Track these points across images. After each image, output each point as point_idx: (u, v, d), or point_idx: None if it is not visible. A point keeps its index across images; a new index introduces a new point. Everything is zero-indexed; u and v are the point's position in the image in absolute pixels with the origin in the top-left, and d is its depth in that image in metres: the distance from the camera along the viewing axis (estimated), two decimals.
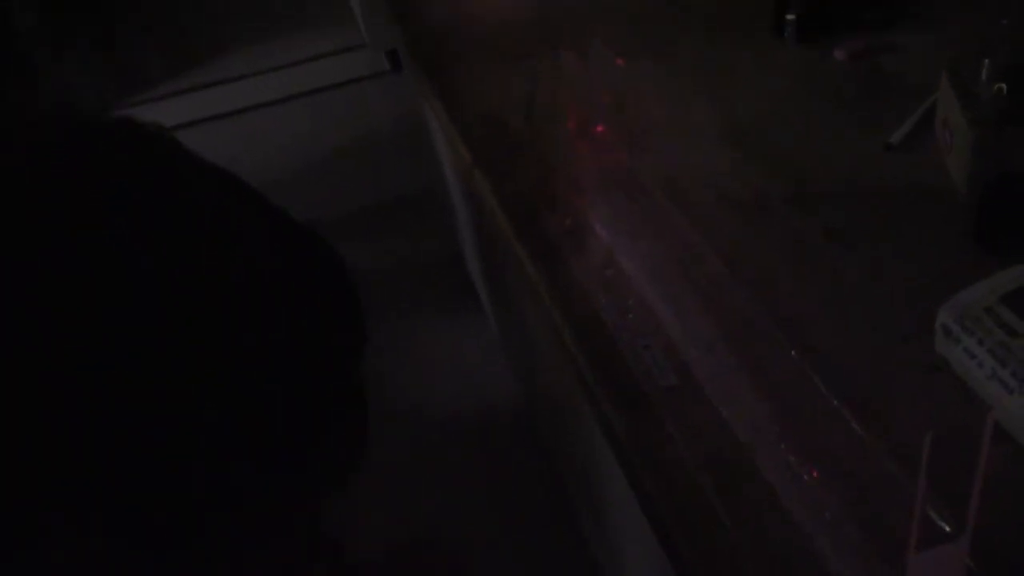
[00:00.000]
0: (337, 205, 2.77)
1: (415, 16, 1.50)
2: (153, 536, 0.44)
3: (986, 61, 0.91)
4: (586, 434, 1.07)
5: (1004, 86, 0.89)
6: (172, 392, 0.43)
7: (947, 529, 0.58)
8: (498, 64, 1.24)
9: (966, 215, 0.85)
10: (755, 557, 0.65)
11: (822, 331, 0.79)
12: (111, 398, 0.41)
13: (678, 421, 0.77)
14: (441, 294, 2.69)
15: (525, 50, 1.24)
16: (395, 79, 3.48)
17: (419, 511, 2.13)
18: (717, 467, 0.73)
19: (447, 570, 1.48)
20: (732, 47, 1.14)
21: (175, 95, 3.68)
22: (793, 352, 0.78)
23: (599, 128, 1.01)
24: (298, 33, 4.15)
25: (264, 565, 0.50)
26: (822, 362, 0.76)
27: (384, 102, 3.38)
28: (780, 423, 0.76)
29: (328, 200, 2.80)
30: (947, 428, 0.45)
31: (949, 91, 0.87)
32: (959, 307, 0.76)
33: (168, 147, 0.61)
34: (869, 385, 0.75)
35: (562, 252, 0.95)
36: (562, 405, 1.53)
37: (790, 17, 1.10)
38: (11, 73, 4.15)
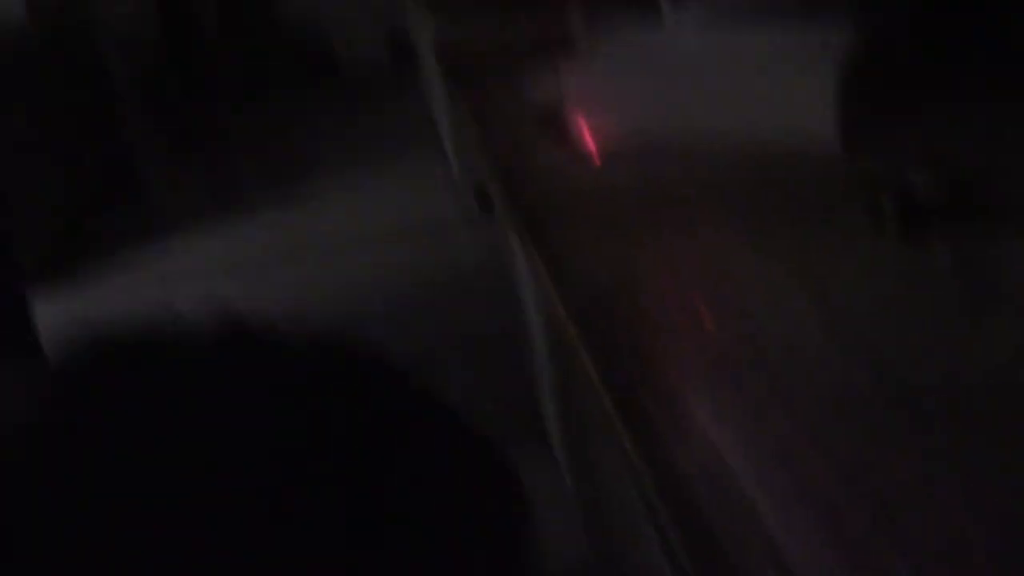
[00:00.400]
0: (414, 340, 2.82)
1: (513, 170, 1.58)
2: None
3: None
4: None
5: None
6: None
7: None
8: (597, 231, 1.28)
9: None
10: None
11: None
12: None
13: None
14: (511, 436, 2.68)
15: (624, 219, 1.29)
16: (482, 217, 3.59)
17: None
18: None
19: None
20: (830, 235, 1.17)
21: (264, 222, 3.86)
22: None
23: (700, 311, 1.04)
24: (387, 168, 4.36)
25: None
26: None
27: (470, 240, 3.48)
28: None
29: (405, 335, 2.86)
30: None
31: None
32: None
33: None
34: None
35: (660, 431, 0.97)
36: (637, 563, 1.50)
37: (887, 208, 1.13)
38: (119, 186, 4.42)
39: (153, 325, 0.53)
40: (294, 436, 0.47)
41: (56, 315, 3.14)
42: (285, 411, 0.48)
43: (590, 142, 1.56)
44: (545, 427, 2.51)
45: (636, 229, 1.30)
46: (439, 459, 0.51)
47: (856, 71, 1.50)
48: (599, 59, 1.68)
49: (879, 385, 0.94)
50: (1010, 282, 1.06)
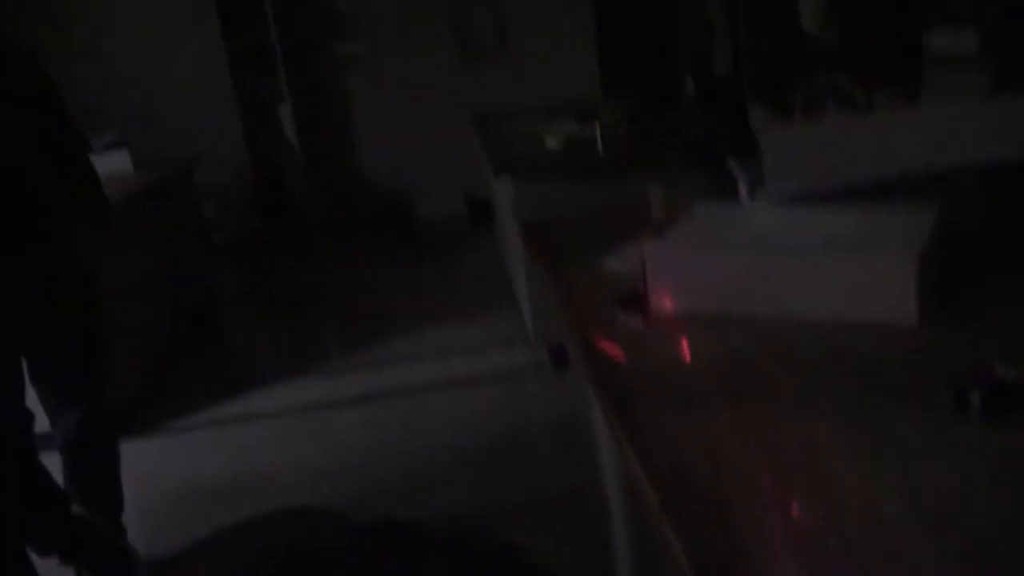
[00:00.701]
0: (487, 498, 2.83)
1: (592, 334, 1.63)
2: None
3: None
4: None
5: None
6: None
7: None
8: (677, 400, 1.31)
9: None
10: None
11: None
12: None
13: None
14: None
15: (706, 398, 1.31)
16: (556, 375, 3.64)
17: None
18: None
19: None
20: (913, 418, 1.17)
21: (347, 370, 3.98)
22: None
23: (782, 484, 1.04)
24: (463, 321, 4.50)
25: None
26: None
27: (543, 396, 3.52)
28: None
29: (478, 492, 2.87)
30: None
31: None
32: None
33: None
34: None
35: None
36: None
37: (973, 396, 1.13)
38: (208, 339, 4.62)
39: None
40: None
41: (140, 460, 3.24)
42: None
43: (668, 312, 1.61)
44: None
45: (716, 400, 1.32)
46: None
47: (938, 253, 1.54)
48: (678, 232, 1.74)
49: (964, 568, 0.93)
50: None
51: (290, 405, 3.67)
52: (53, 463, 2.50)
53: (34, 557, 2.37)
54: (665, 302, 1.61)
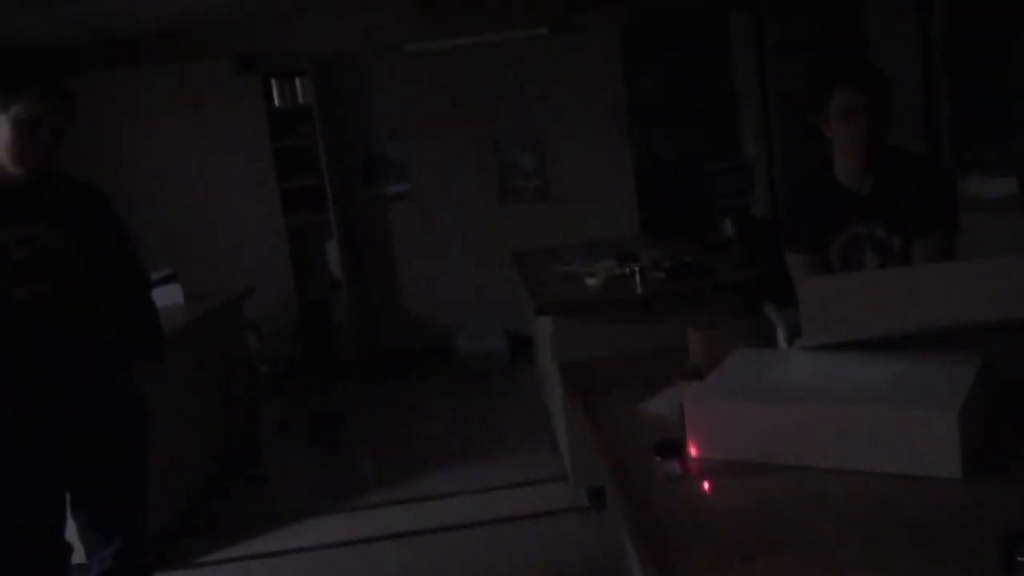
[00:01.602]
0: None
1: (630, 477, 1.62)
2: None
3: None
4: None
5: None
6: None
7: None
8: (719, 559, 1.28)
9: None
10: None
11: None
12: None
13: None
14: None
15: (745, 548, 1.29)
16: (593, 516, 3.58)
17: None
18: None
19: None
20: (953, 570, 1.14)
21: (382, 506, 3.94)
22: None
23: None
24: (501, 458, 4.46)
25: None
26: None
27: (579, 537, 3.45)
28: None
29: None
30: None
31: None
32: None
33: None
34: None
35: None
36: None
37: (1021, 558, 1.11)
38: (245, 470, 4.63)
39: None
40: None
41: None
42: None
43: (706, 459, 1.60)
44: None
45: (753, 551, 1.30)
46: None
47: (982, 405, 1.53)
48: (716, 379, 1.75)
49: None
50: None
51: (322, 541, 3.63)
52: None
53: None
54: (703, 449, 1.61)
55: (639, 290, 3.56)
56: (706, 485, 1.55)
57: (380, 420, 5.40)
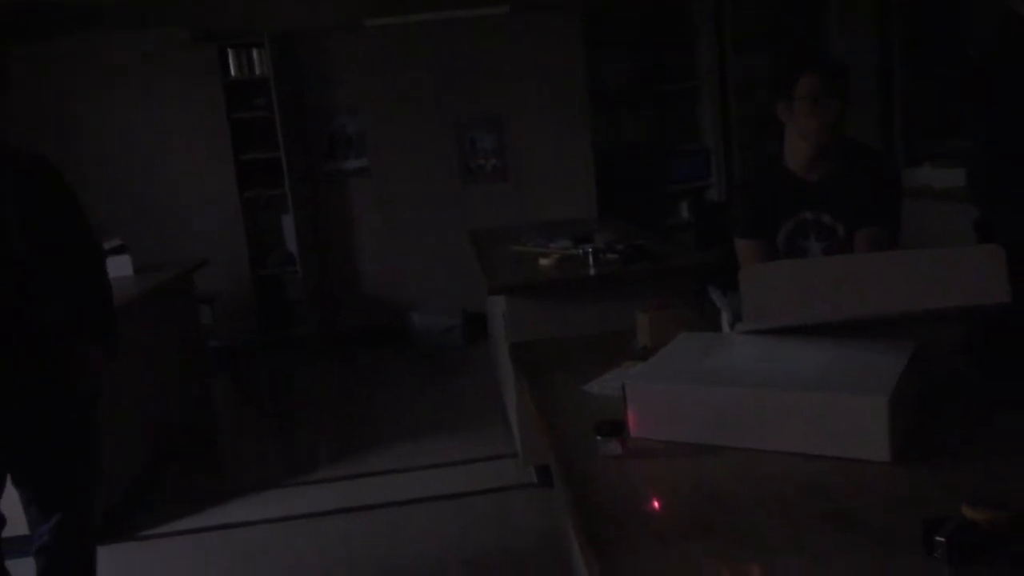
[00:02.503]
0: None
1: (573, 459, 1.64)
2: None
3: None
4: None
5: None
6: None
7: None
8: (656, 540, 1.31)
9: None
10: None
11: None
12: None
13: None
14: None
15: (679, 528, 1.32)
16: (541, 493, 3.62)
17: None
18: None
19: None
20: (881, 557, 1.18)
21: (333, 480, 3.95)
22: None
23: None
24: (453, 435, 4.48)
25: None
26: None
27: (527, 514, 3.49)
28: None
29: None
30: None
31: None
32: None
33: None
34: None
35: None
36: None
37: (939, 539, 1.14)
38: (197, 445, 4.60)
39: None
40: None
41: (112, 569, 3.18)
42: None
43: (646, 440, 1.63)
44: None
45: (689, 531, 1.33)
46: None
47: (912, 391, 1.58)
48: (658, 361, 1.78)
49: None
50: None
51: (272, 514, 3.62)
52: (28, 569, 2.47)
53: None
54: (643, 429, 1.64)
55: (592, 271, 3.59)
56: (645, 466, 1.58)
57: (333, 397, 5.39)
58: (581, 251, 3.78)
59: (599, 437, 1.61)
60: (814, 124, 2.44)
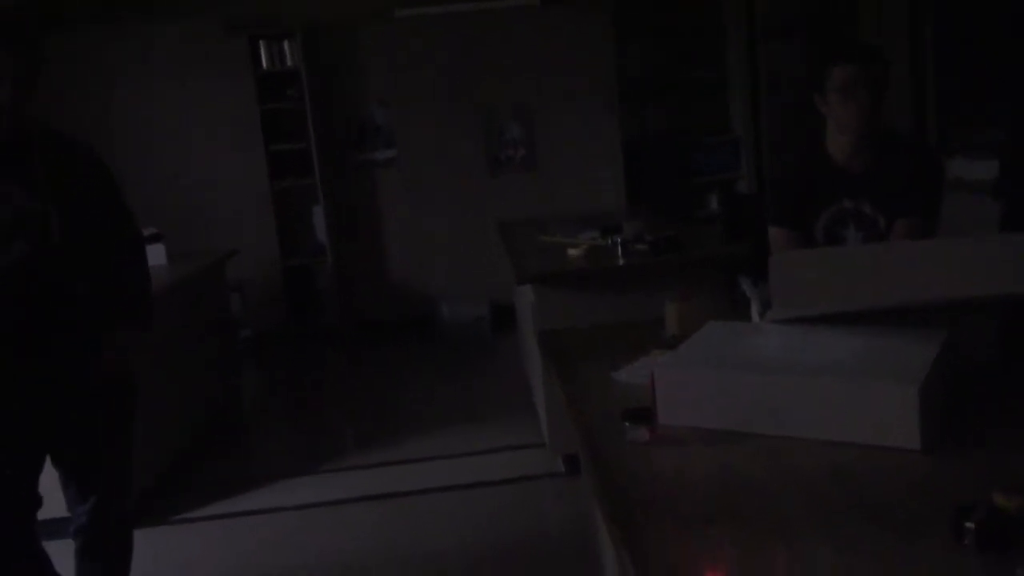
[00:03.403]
0: None
1: (601, 446, 1.65)
2: None
3: None
4: None
5: None
6: None
7: None
8: (682, 524, 1.31)
9: None
10: None
11: None
12: None
13: None
14: None
15: (705, 512, 1.33)
16: (569, 482, 3.63)
17: None
18: None
19: None
20: (909, 544, 1.17)
21: (361, 468, 3.99)
22: None
23: None
24: (481, 424, 4.52)
25: None
26: None
27: (555, 502, 3.50)
28: None
29: None
30: None
31: None
32: None
33: None
34: None
35: None
36: None
37: (969, 525, 1.14)
38: (227, 432, 4.66)
39: None
40: None
41: (145, 551, 3.23)
42: None
43: (674, 427, 1.64)
44: None
45: (716, 516, 1.34)
46: None
47: (944, 380, 1.57)
48: (687, 349, 1.78)
49: None
50: None
51: (299, 501, 3.67)
52: (63, 550, 2.52)
53: None
54: (671, 416, 1.64)
55: (620, 262, 3.59)
56: (673, 452, 1.58)
57: (361, 386, 5.43)
58: (610, 241, 3.78)
59: (627, 424, 1.62)
60: (848, 115, 2.42)
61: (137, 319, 2.50)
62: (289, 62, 6.05)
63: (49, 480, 2.44)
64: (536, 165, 6.43)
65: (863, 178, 2.50)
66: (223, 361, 4.96)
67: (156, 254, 4.38)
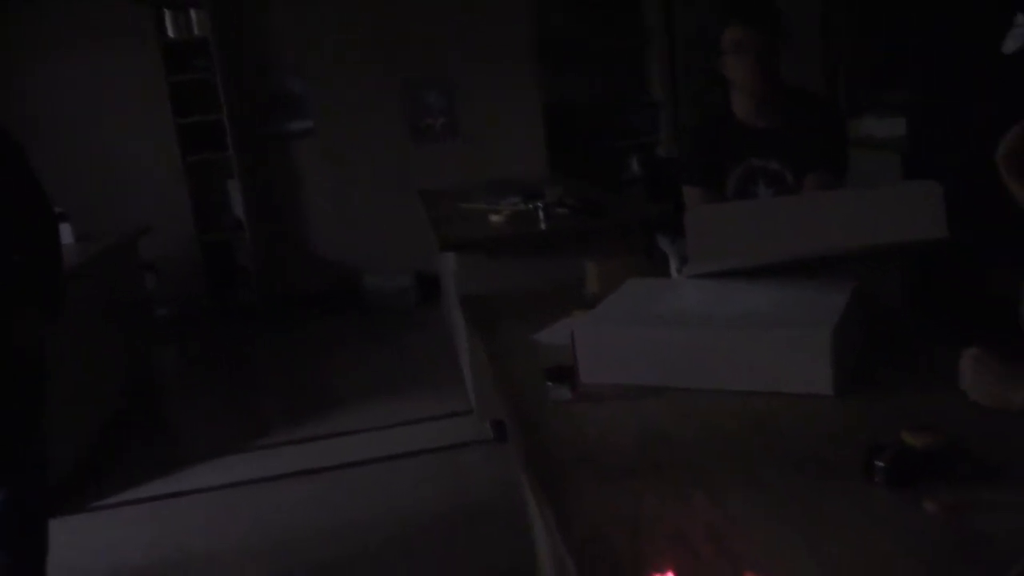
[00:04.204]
0: (430, 573, 2.79)
1: (525, 409, 1.65)
2: None
3: None
4: None
5: None
6: None
7: None
8: (606, 480, 1.32)
9: None
10: None
11: None
12: None
13: None
14: None
15: (629, 467, 1.34)
16: (498, 448, 3.65)
17: None
18: None
19: None
20: (825, 485, 1.20)
21: (289, 444, 3.93)
22: None
23: (707, 568, 1.06)
24: (408, 395, 4.49)
25: None
26: None
27: (484, 469, 3.51)
28: None
29: (420, 567, 2.83)
30: None
31: None
32: None
33: None
34: None
35: None
36: None
37: (880, 463, 1.17)
38: (148, 413, 4.54)
39: None
40: None
41: (66, 540, 3.14)
42: None
43: (595, 384, 1.65)
44: None
45: (639, 470, 1.35)
46: None
47: (853, 327, 1.61)
48: (606, 307, 1.79)
49: None
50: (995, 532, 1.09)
51: (226, 481, 3.60)
52: None
53: None
54: (592, 374, 1.65)
55: (542, 226, 3.59)
56: (595, 409, 1.59)
57: (286, 361, 5.35)
58: (532, 206, 3.77)
59: (549, 383, 1.62)
60: (742, 76, 2.45)
61: (48, 303, 2.41)
62: (197, 31, 5.84)
63: None
64: (457, 133, 6.38)
65: (769, 136, 2.54)
66: (140, 341, 4.82)
67: (62, 234, 4.21)
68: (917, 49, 5.19)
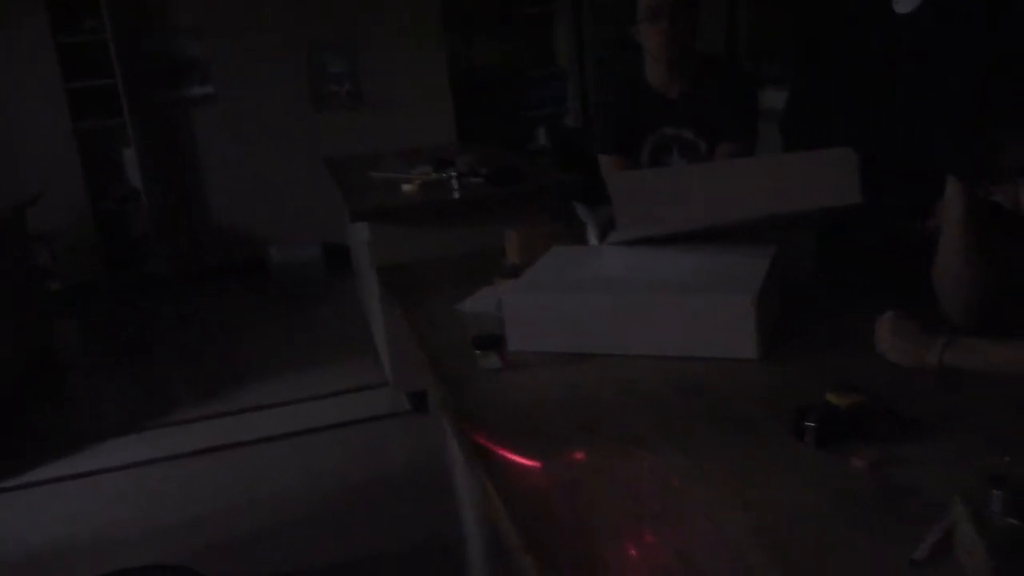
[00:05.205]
0: (344, 548, 2.76)
1: (450, 377, 1.64)
2: None
3: (997, 493, 1.01)
4: None
5: (1016, 520, 0.98)
6: None
7: None
8: (540, 446, 1.33)
9: None
10: None
11: None
12: None
13: None
14: None
15: (562, 433, 1.34)
16: (415, 419, 3.63)
17: None
18: None
19: None
20: (755, 446, 1.24)
21: (198, 420, 3.82)
22: None
23: (643, 528, 1.08)
24: (320, 368, 4.42)
25: None
26: None
27: (402, 442, 3.49)
28: None
29: (335, 542, 2.80)
30: None
31: (963, 518, 0.95)
32: None
33: None
34: None
35: None
36: None
37: (809, 424, 1.21)
38: (48, 392, 4.34)
39: None
40: None
41: None
42: None
43: (525, 351, 1.65)
44: None
45: (572, 436, 1.36)
46: None
47: (774, 292, 1.65)
48: (533, 275, 1.79)
49: None
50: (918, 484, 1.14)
51: (133, 459, 3.48)
52: None
53: None
54: (521, 341, 1.65)
55: (456, 195, 3.56)
56: (525, 377, 1.59)
57: (191, 336, 5.18)
58: (445, 175, 3.73)
59: (478, 352, 1.61)
60: (655, 43, 2.47)
61: None
62: None
63: None
64: (362, 100, 6.25)
65: (681, 104, 2.56)
66: (31, 316, 4.59)
67: None
68: (803, 11, 5.33)
